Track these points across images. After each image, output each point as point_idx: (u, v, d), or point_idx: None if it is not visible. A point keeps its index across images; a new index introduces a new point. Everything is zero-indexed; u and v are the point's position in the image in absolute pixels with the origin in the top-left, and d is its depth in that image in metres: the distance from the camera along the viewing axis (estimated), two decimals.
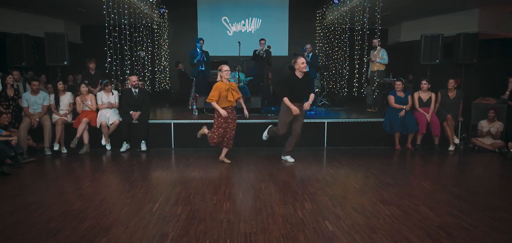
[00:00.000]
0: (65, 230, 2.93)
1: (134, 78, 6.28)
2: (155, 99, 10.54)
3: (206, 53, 8.25)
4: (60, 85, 6.30)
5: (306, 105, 4.96)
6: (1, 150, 4.85)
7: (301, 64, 4.93)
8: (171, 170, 5.11)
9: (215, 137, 5.06)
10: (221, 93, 4.92)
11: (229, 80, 5.03)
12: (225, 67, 5.01)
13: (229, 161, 5.23)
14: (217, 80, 5.06)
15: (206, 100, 5.04)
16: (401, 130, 6.27)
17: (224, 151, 5.25)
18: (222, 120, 4.99)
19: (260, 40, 8.32)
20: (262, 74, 8.39)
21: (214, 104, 4.94)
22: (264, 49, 8.18)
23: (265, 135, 5.69)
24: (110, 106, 6.24)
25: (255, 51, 8.37)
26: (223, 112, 4.90)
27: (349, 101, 10.15)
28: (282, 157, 5.42)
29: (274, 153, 5.97)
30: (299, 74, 4.98)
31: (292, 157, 5.37)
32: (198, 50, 8.05)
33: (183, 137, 6.44)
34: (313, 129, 6.52)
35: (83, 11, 9.47)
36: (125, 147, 6.08)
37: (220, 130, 5.03)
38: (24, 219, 3.16)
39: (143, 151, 6.09)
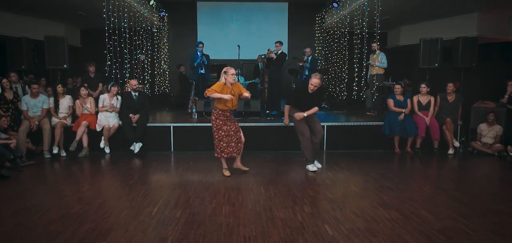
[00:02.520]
0: (65, 233, 2.92)
1: (134, 82, 6.30)
2: (155, 103, 10.54)
3: (207, 56, 8.28)
4: (59, 88, 6.30)
5: (303, 114, 4.88)
6: (0, 153, 4.84)
7: (314, 84, 4.82)
8: (170, 173, 5.10)
9: (223, 145, 4.68)
10: (223, 93, 4.54)
11: (232, 84, 4.63)
12: (232, 71, 4.59)
13: (246, 168, 4.92)
14: (221, 81, 4.66)
15: (205, 93, 4.56)
16: (401, 133, 6.28)
17: (237, 157, 4.88)
18: (220, 123, 4.66)
19: (276, 43, 8.16)
20: (278, 77, 8.14)
21: (215, 94, 4.46)
22: (279, 52, 8.11)
23: (309, 167, 5.05)
24: (111, 109, 6.22)
25: (266, 55, 8.22)
26: (227, 96, 4.47)
27: (348, 105, 10.15)
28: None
29: (273, 156, 5.98)
30: (310, 89, 4.87)
31: (316, 164, 5.07)
32: (198, 53, 8.09)
33: (183, 140, 6.44)
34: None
35: (83, 14, 9.48)
36: (138, 147, 6.08)
37: (220, 132, 4.67)
38: (24, 222, 3.15)
39: (136, 153, 6.06)
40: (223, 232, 2.97)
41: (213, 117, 4.71)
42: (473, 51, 7.03)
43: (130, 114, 6.12)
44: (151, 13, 10.03)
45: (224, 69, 4.65)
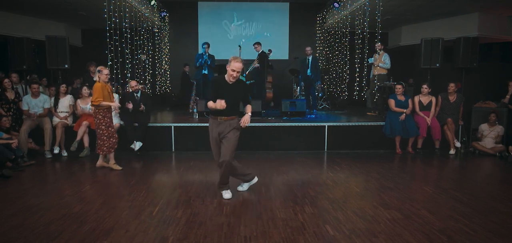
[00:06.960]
0: (65, 233, 2.92)
1: (133, 83, 6.33)
2: (156, 102, 10.54)
3: (212, 57, 8.32)
4: (63, 88, 6.32)
5: (245, 119, 3.64)
6: (2, 152, 4.86)
7: (231, 71, 3.60)
8: (171, 173, 5.10)
9: (106, 140, 5.05)
10: (104, 94, 4.91)
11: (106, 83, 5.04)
12: (106, 71, 4.99)
13: (120, 168, 5.13)
14: (95, 80, 5.10)
15: (93, 103, 4.88)
16: (402, 133, 6.27)
17: (112, 156, 5.21)
18: (109, 120, 5.05)
19: (254, 44, 8.52)
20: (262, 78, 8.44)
21: (104, 103, 4.87)
22: (258, 53, 8.32)
23: (242, 187, 4.13)
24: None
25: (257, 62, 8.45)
26: (114, 104, 5.08)
27: (349, 105, 10.15)
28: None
29: (274, 156, 5.98)
30: (229, 79, 3.67)
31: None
32: (203, 53, 8.16)
33: (184, 140, 6.45)
34: (314, 132, 6.53)
35: (84, 14, 9.49)
36: (138, 145, 6.08)
37: (110, 129, 5.07)
38: (24, 222, 3.16)
39: (136, 151, 6.07)
40: (224, 232, 2.97)
41: (100, 116, 4.98)
42: (474, 51, 7.01)
43: (126, 103, 6.11)
44: (152, 13, 10.03)
45: (98, 68, 4.98)
